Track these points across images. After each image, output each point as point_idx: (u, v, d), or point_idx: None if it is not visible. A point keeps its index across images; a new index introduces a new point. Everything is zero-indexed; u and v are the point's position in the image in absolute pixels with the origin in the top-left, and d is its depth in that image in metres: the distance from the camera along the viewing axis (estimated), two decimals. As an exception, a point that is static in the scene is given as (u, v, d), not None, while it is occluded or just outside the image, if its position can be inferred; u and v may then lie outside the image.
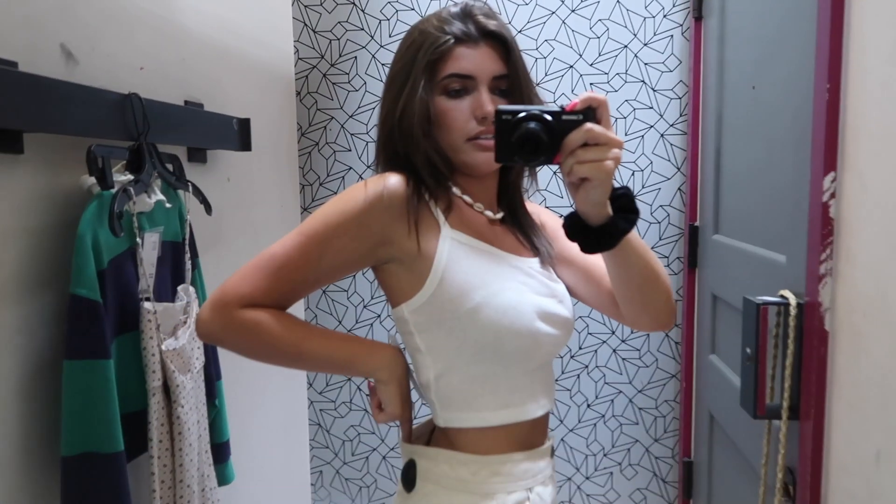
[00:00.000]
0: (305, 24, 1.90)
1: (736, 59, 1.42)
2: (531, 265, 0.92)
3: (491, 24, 0.87)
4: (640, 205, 0.83)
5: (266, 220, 1.72)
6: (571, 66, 1.82)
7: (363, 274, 1.90)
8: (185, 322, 1.12)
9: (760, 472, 1.09)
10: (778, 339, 1.02)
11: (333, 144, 1.93)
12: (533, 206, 1.03)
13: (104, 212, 0.93)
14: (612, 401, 1.88)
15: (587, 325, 1.86)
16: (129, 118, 1.03)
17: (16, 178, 0.88)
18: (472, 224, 0.89)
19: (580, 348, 1.87)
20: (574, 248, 0.99)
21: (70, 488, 0.89)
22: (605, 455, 1.91)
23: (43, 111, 0.86)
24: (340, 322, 1.96)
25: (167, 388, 1.04)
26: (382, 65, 1.89)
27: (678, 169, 1.80)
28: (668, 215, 1.82)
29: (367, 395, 1.96)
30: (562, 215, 0.86)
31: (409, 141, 0.87)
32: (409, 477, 0.89)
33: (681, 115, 1.79)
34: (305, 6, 1.89)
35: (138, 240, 1.02)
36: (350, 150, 1.93)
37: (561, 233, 1.02)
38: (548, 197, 1.84)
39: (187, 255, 1.18)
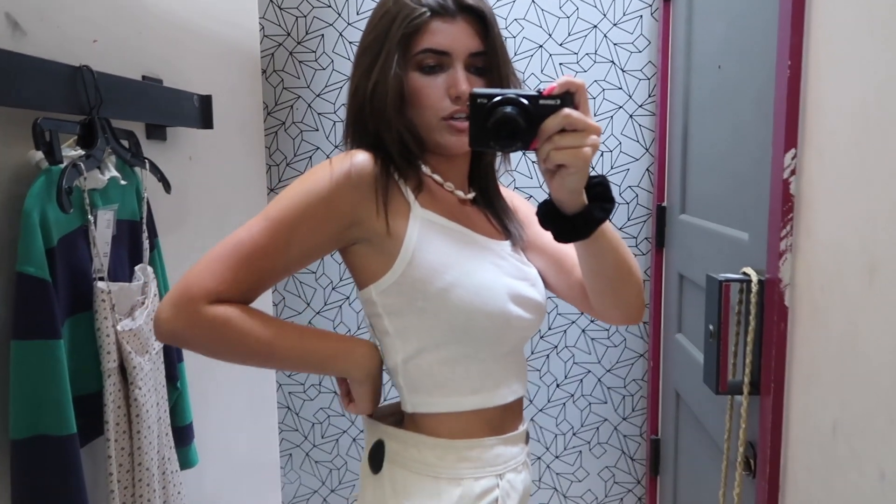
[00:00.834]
0: (271, 1, 1.86)
1: (703, 39, 1.42)
2: (503, 247, 0.90)
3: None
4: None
5: (231, 200, 1.68)
6: (541, 46, 1.81)
7: (331, 256, 1.88)
8: (142, 302, 1.09)
9: (723, 448, 1.10)
10: (740, 315, 1.03)
11: (300, 124, 1.90)
12: (505, 191, 1.01)
13: (52, 188, 0.90)
14: (582, 380, 1.90)
15: (556, 306, 1.87)
16: (80, 92, 0.99)
17: (-43, 152, 0.85)
18: (443, 204, 0.87)
19: (549, 328, 1.88)
20: (546, 236, 0.97)
21: (20, 471, 0.86)
22: (574, 434, 1.92)
23: (-14, 82, 0.82)
24: (309, 304, 1.94)
25: (124, 370, 1.02)
26: (350, 43, 1.85)
27: (647, 150, 1.81)
28: (637, 196, 1.82)
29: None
30: (535, 199, 0.84)
31: (381, 118, 0.83)
32: (376, 458, 0.87)
33: (649, 96, 1.79)
34: (270, -19, 1.85)
35: (90, 217, 0.98)
36: (317, 130, 1.89)
37: (533, 219, 1.00)
38: (517, 178, 1.83)
39: (145, 235, 1.15)
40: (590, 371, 1.89)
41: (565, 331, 1.88)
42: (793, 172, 0.92)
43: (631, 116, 1.80)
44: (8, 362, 0.87)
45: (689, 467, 1.54)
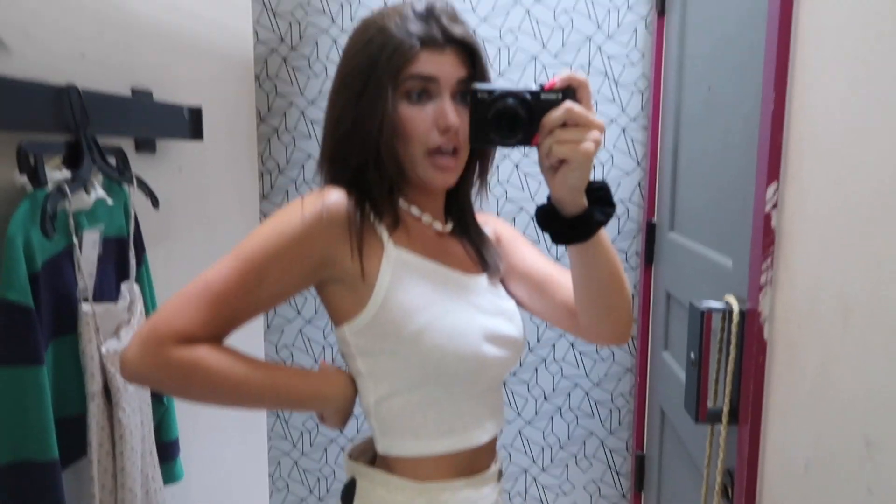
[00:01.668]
0: (265, 6, 1.85)
1: (694, 57, 1.42)
2: (479, 282, 0.89)
3: (457, 30, 0.81)
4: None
5: (222, 210, 1.68)
6: (535, 57, 1.81)
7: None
8: (128, 321, 1.09)
9: (703, 472, 1.11)
10: (722, 343, 1.04)
11: (293, 131, 1.90)
12: (488, 217, 1.00)
13: (37, 212, 0.90)
14: (569, 394, 1.91)
15: (546, 318, 1.87)
16: (66, 111, 0.99)
17: (-60, 177, 0.85)
18: (419, 239, 0.86)
19: (538, 341, 1.88)
20: (529, 259, 0.96)
21: (2, 496, 0.87)
22: (560, 447, 1.93)
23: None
24: (300, 313, 1.94)
25: (108, 391, 1.02)
26: (343, 51, 1.85)
27: (638, 164, 1.81)
28: (628, 210, 1.83)
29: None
30: (527, 212, 0.84)
31: (367, 151, 0.81)
32: (348, 495, 0.87)
33: (642, 110, 1.79)
34: (264, -12, 1.84)
35: (75, 240, 0.98)
36: (310, 138, 1.89)
37: (518, 243, 0.99)
38: (510, 190, 1.83)
39: (132, 252, 1.15)
40: (578, 385, 1.90)
41: (554, 344, 1.89)
42: (774, 206, 0.92)
43: (623, 130, 1.80)
44: (-10, 387, 0.87)
45: (672, 486, 1.55)
